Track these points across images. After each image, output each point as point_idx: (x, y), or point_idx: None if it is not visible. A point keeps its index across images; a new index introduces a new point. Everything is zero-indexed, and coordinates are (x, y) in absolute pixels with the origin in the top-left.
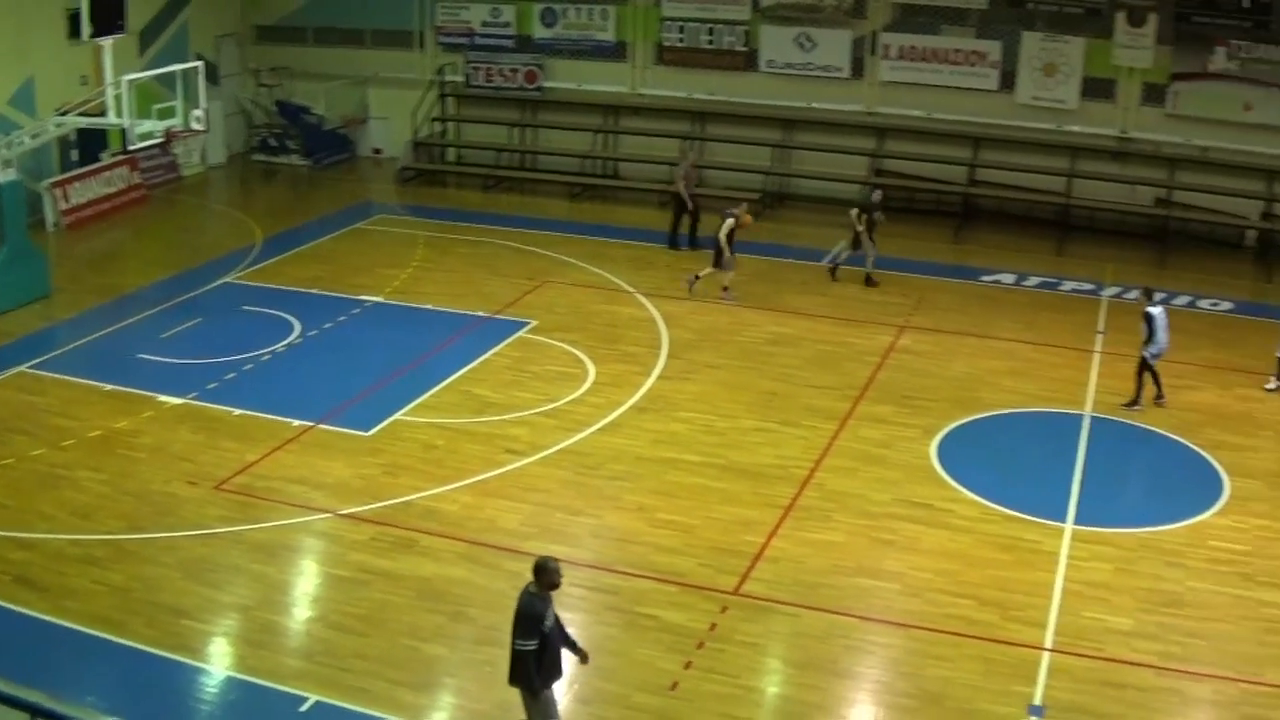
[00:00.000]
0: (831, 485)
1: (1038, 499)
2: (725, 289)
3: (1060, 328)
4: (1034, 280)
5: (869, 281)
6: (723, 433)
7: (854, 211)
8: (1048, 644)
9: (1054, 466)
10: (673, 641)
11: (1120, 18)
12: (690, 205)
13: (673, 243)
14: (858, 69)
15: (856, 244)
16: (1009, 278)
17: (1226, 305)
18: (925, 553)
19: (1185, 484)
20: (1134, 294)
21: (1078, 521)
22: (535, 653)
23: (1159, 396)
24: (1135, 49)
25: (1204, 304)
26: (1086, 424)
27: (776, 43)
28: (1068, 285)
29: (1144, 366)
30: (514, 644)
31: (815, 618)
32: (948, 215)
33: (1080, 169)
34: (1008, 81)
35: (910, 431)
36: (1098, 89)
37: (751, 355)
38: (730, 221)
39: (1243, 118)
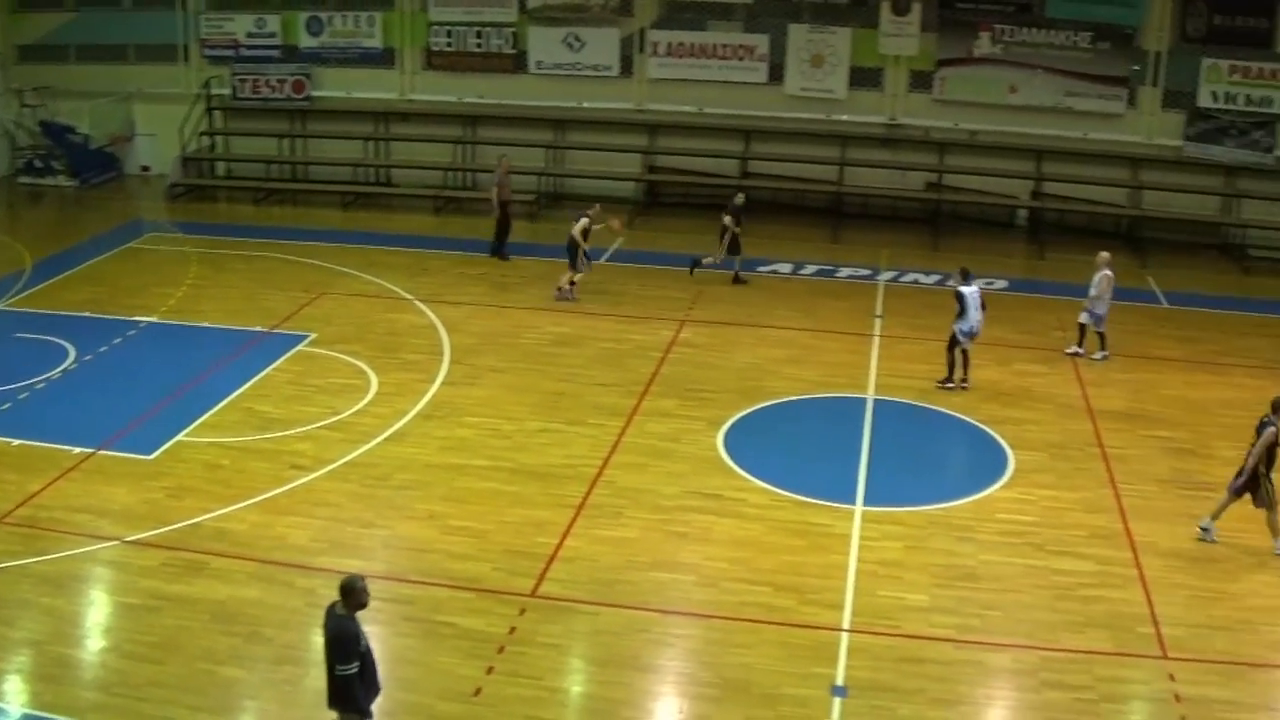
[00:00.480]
0: (621, 482)
1: (826, 483)
2: (560, 288)
3: (839, 314)
4: (811, 268)
5: (737, 280)
6: (510, 436)
7: (726, 218)
8: (846, 625)
9: (840, 450)
10: (473, 648)
11: (885, 7)
12: (500, 214)
13: (497, 252)
14: (627, 67)
15: (734, 248)
16: (786, 267)
17: (1001, 284)
18: (719, 543)
19: (970, 460)
20: (909, 277)
21: (867, 503)
22: (357, 674)
23: (963, 380)
24: (901, 37)
25: (979, 283)
26: (870, 407)
27: (545, 44)
28: (844, 272)
29: (954, 343)
30: (335, 670)
31: (614, 614)
32: (722, 209)
33: (851, 157)
34: (776, 74)
35: (696, 424)
36: (866, 78)
37: (534, 357)
38: (584, 221)
39: (1008, 100)
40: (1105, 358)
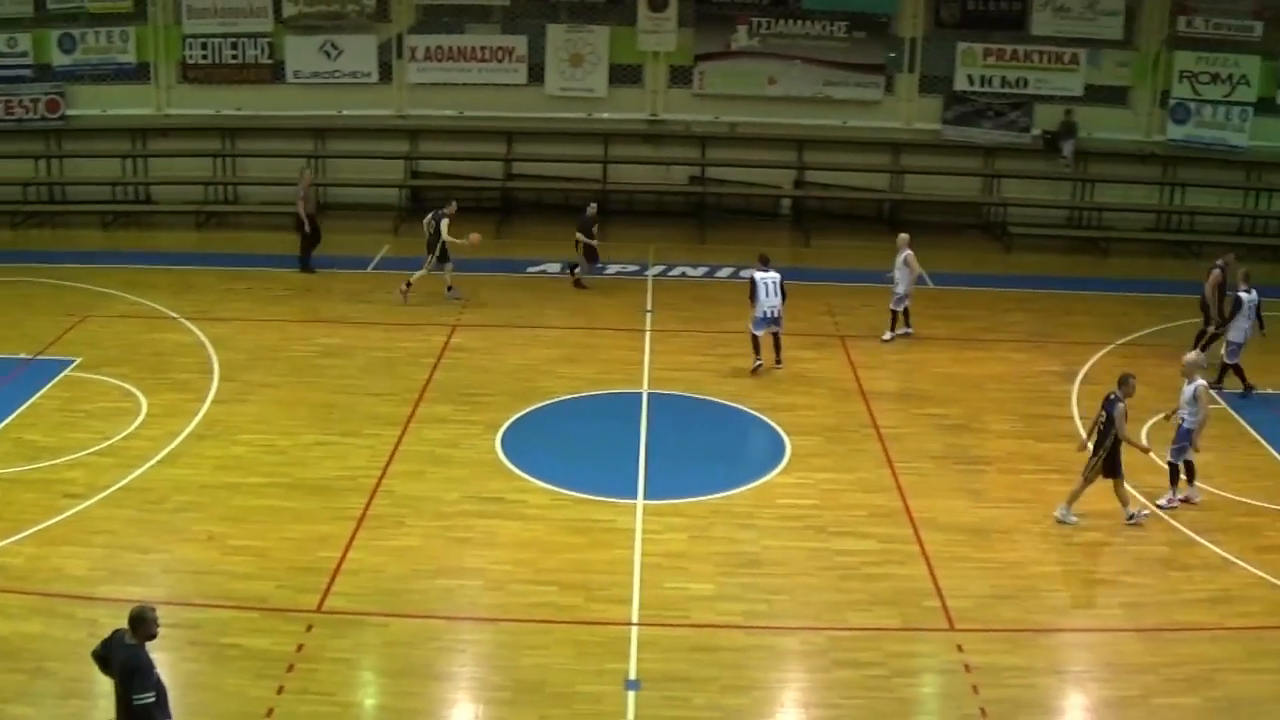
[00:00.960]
0: (401, 490)
1: (606, 479)
2: (450, 288)
3: (609, 310)
4: (579, 267)
5: (579, 284)
6: (285, 451)
7: (579, 234)
8: (635, 619)
9: (619, 446)
10: (262, 668)
11: (643, 4)
12: (308, 227)
13: (304, 265)
14: (386, 73)
15: (591, 256)
16: (555, 267)
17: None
18: (503, 546)
19: (748, 448)
20: (677, 271)
21: (648, 496)
22: (154, 702)
23: (776, 362)
24: (659, 34)
25: (746, 274)
26: (645, 401)
27: (302, 52)
28: (613, 268)
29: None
30: (133, 700)
31: (403, 624)
32: (488, 211)
33: (615, 154)
34: (537, 74)
35: (473, 428)
36: (626, 75)
37: (305, 370)
38: (445, 222)
39: (768, 92)
40: (892, 338)
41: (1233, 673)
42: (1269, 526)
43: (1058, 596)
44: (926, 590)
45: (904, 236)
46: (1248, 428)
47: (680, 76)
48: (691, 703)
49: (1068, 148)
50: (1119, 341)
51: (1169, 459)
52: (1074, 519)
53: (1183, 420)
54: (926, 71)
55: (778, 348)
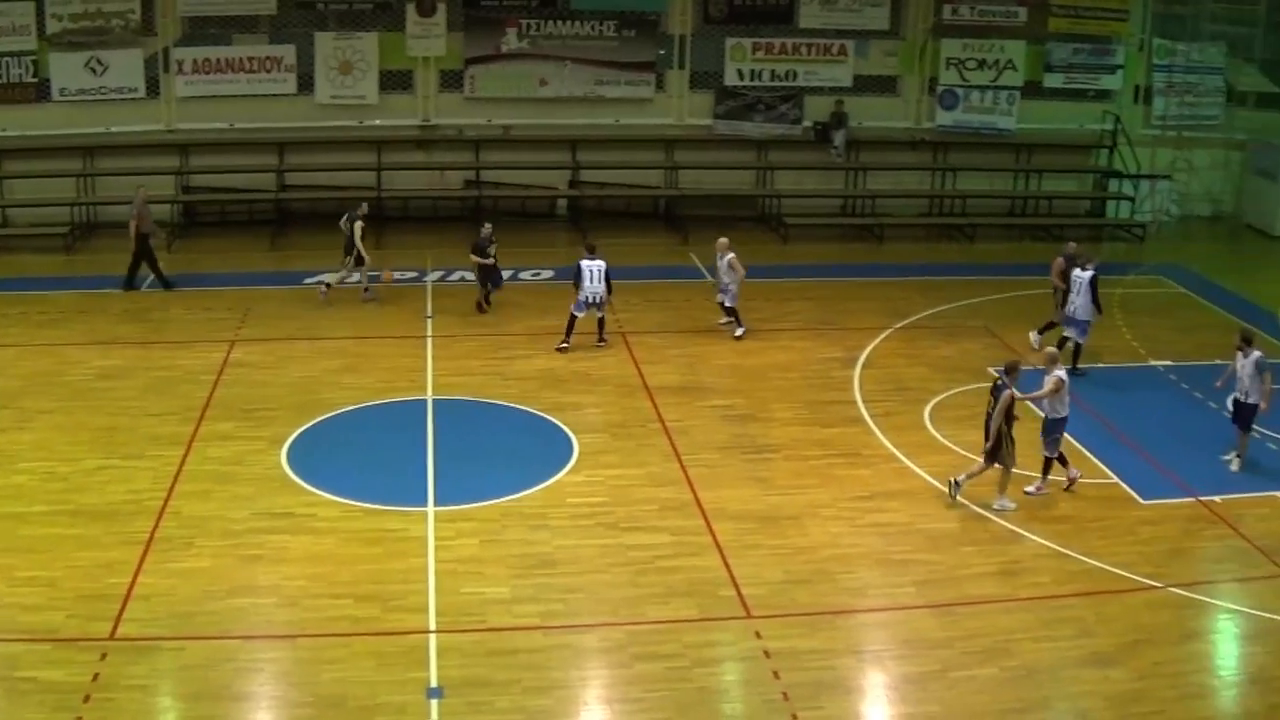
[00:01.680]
0: (188, 511)
1: (396, 488)
2: (366, 289)
3: (390, 319)
4: (356, 276)
5: (327, 288)
6: (67, 478)
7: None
8: (432, 626)
9: (407, 454)
10: (58, 701)
11: (410, 9)
12: (138, 245)
13: (129, 284)
14: (153, 88)
15: (491, 277)
16: (331, 276)
17: (548, 274)
18: (295, 561)
19: (536, 449)
20: (456, 275)
21: (439, 503)
22: None
23: (600, 340)
24: (428, 38)
25: (526, 275)
26: (431, 407)
27: (67, 70)
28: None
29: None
30: None
31: (199, 647)
32: (263, 223)
33: (388, 161)
34: (306, 84)
35: (258, 444)
36: (396, 81)
37: (83, 393)
38: (359, 224)
39: (539, 93)
40: (743, 334)
41: (1028, 642)
42: (1053, 500)
43: (851, 578)
44: (721, 580)
45: (723, 241)
46: (1031, 406)
47: (451, 81)
48: (495, 706)
49: (839, 138)
50: (898, 325)
51: (1045, 453)
52: (1012, 505)
53: (1045, 412)
54: (697, 68)
55: (601, 327)
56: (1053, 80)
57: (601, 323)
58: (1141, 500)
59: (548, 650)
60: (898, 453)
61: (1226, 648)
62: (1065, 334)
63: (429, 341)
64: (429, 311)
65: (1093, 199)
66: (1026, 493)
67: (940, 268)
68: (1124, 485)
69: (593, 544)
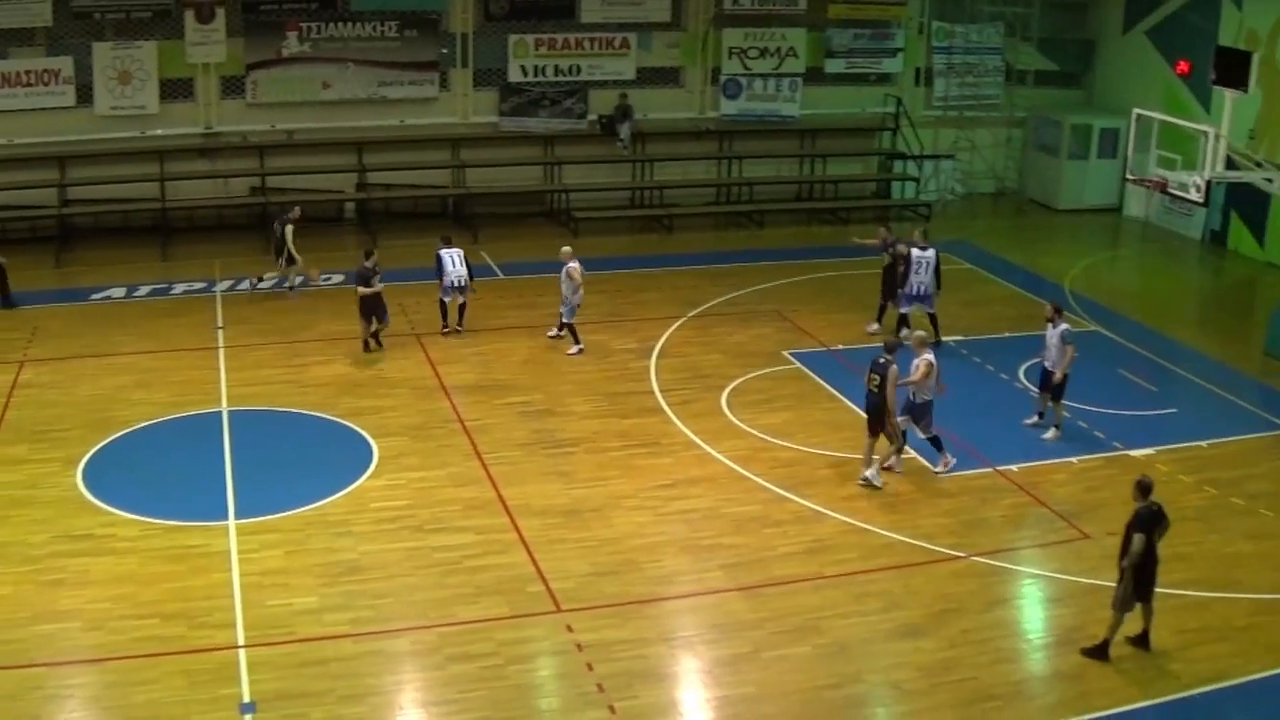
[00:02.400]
0: None
1: (195, 504)
2: (305, 276)
3: (180, 331)
4: (145, 289)
5: (367, 346)
6: None
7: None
8: (241, 641)
9: (204, 468)
10: None
11: (189, 16)
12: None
13: (6, 302)
14: None
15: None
16: (119, 291)
17: (338, 278)
18: (98, 583)
19: (336, 456)
20: (244, 285)
21: (240, 516)
22: None
23: (458, 325)
24: (208, 45)
25: (317, 280)
26: (226, 419)
27: None
28: (179, 288)
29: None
30: None
31: (4, 676)
32: (46, 240)
33: (172, 171)
34: (85, 95)
35: (51, 466)
36: (178, 89)
37: None
38: (290, 228)
39: (323, 96)
40: (577, 352)
41: (837, 618)
42: (853, 476)
43: (658, 566)
44: (529, 576)
45: (566, 250)
46: (823, 383)
47: (233, 87)
48: (309, 718)
49: (624, 130)
50: (691, 314)
51: (922, 435)
52: (879, 483)
53: (914, 396)
54: (480, 65)
55: (462, 313)
56: (834, 66)
57: (462, 309)
58: (940, 473)
59: (360, 658)
60: (697, 439)
61: (1032, 611)
62: (903, 311)
63: (221, 353)
64: (220, 322)
65: (878, 181)
66: (937, 473)
67: (730, 255)
68: (922, 459)
69: (398, 548)
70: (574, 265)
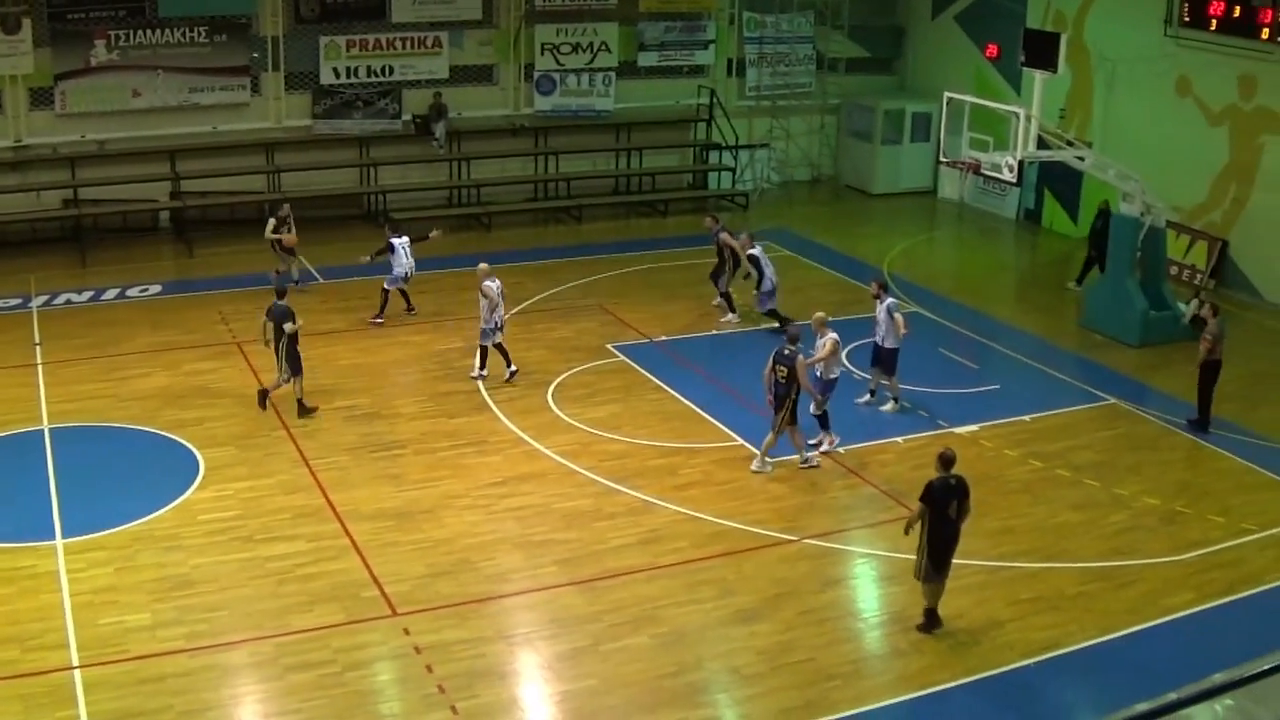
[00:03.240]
0: None
1: (20, 524)
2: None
3: None
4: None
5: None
6: None
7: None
8: (75, 662)
9: (28, 488)
10: None
11: None
12: None
13: None
14: None
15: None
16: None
17: (156, 288)
18: None
19: (162, 469)
20: (62, 299)
21: (67, 534)
22: None
23: (409, 308)
24: (14, 56)
25: (133, 292)
26: (48, 437)
27: None
28: None
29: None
30: None
31: None
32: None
33: None
34: None
35: None
36: None
37: None
38: (271, 221)
39: (133, 105)
40: (511, 376)
41: (673, 607)
42: (684, 464)
43: (493, 565)
44: (364, 581)
45: (483, 266)
46: (649, 375)
47: (41, 98)
48: None
49: (439, 129)
50: (514, 310)
51: (813, 411)
52: (770, 468)
53: (817, 373)
54: (292, 68)
55: (408, 299)
56: (647, 59)
57: (406, 297)
58: (768, 459)
59: (197, 672)
60: (525, 436)
61: (866, 590)
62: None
63: (39, 369)
64: (36, 338)
65: (694, 172)
66: (825, 451)
67: (550, 250)
68: (749, 446)
69: (230, 559)
70: (489, 283)
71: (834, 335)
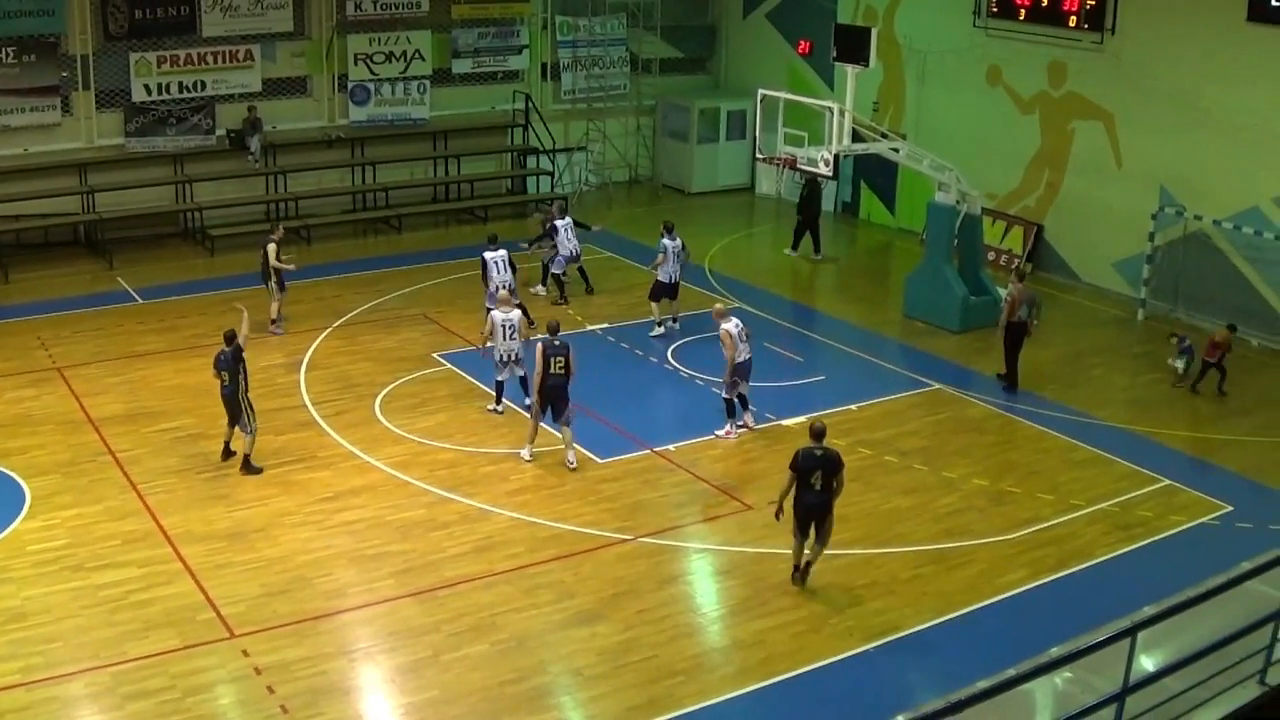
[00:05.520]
0: None
1: None
2: (273, 320)
3: None
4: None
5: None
6: None
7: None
8: None
9: None
10: None
11: None
12: None
13: None
14: None
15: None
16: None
17: None
18: None
19: None
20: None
21: None
22: None
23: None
24: None
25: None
26: None
27: None
28: None
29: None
30: None
31: None
32: None
33: None
34: None
35: None
36: None
37: None
38: (273, 246)
39: None
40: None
41: (511, 613)
42: (515, 470)
43: (328, 580)
44: (198, 604)
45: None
46: (476, 382)
47: None
48: None
49: (254, 143)
50: (337, 323)
51: (724, 395)
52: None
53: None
54: (103, 86)
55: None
56: (461, 66)
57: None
58: (599, 459)
59: (34, 706)
60: (354, 449)
61: (704, 585)
62: (555, 272)
63: None
64: None
65: (513, 177)
66: (716, 434)
67: (371, 261)
68: (579, 447)
69: (61, 589)
70: (509, 315)
71: (727, 326)
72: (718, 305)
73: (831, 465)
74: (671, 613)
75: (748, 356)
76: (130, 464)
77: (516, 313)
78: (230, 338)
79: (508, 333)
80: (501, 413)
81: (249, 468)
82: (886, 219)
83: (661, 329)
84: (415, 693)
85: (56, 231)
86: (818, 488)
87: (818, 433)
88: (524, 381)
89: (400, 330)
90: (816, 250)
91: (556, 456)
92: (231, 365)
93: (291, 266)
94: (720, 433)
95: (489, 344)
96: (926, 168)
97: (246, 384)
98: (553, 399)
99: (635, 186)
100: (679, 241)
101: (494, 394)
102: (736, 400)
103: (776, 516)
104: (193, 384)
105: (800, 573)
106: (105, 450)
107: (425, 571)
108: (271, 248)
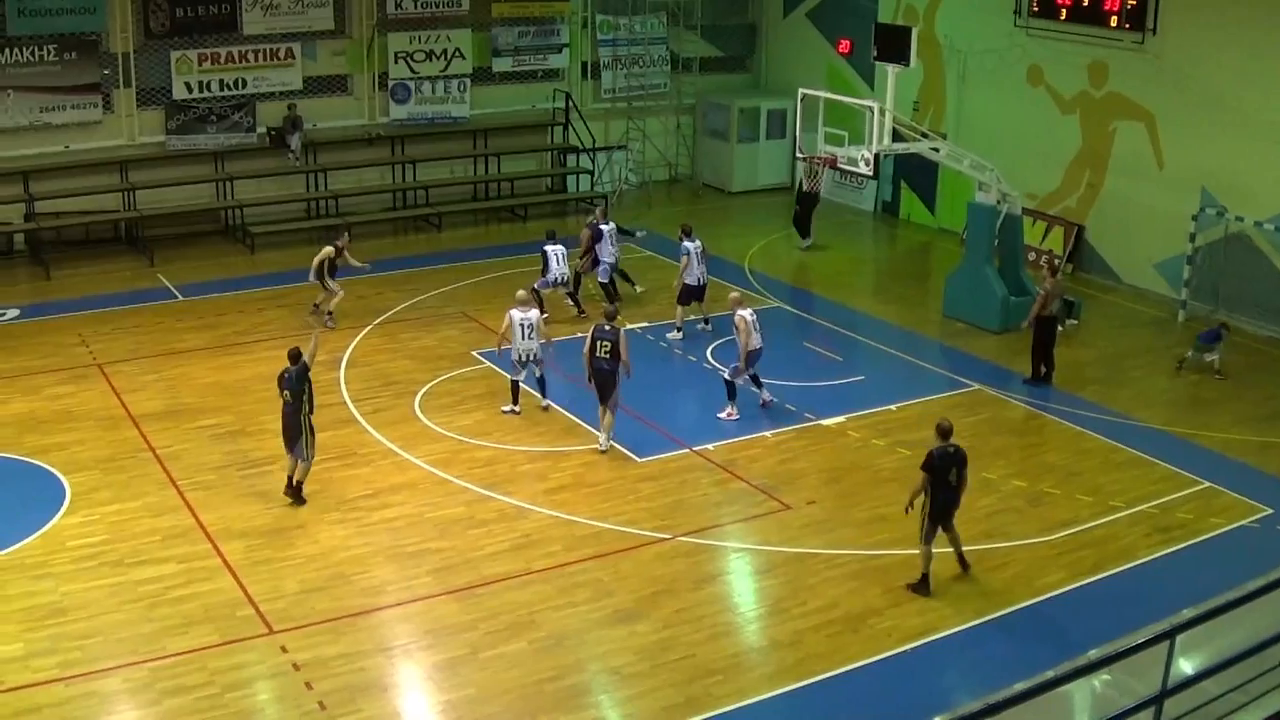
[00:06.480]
0: None
1: None
2: (329, 313)
3: None
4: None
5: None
6: None
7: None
8: None
9: None
10: None
11: None
12: None
13: None
14: None
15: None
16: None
17: (14, 313)
18: None
19: (26, 496)
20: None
21: None
22: None
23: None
24: None
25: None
26: None
27: None
28: None
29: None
30: None
31: None
32: None
33: None
34: None
35: None
36: None
37: None
38: (328, 248)
39: None
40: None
41: (549, 611)
42: (554, 468)
43: (367, 578)
44: (238, 600)
45: (521, 292)
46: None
47: None
48: None
49: (295, 141)
50: (377, 321)
51: (726, 377)
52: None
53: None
54: (144, 84)
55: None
56: (501, 64)
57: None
58: (638, 459)
59: (72, 701)
60: (394, 447)
61: (742, 585)
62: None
63: None
64: None
65: (553, 176)
66: (718, 417)
67: (411, 259)
68: (619, 446)
69: (101, 585)
70: (527, 315)
71: (742, 312)
72: (733, 293)
73: (962, 461)
74: (709, 612)
75: (760, 345)
76: (170, 460)
77: (534, 313)
78: (295, 356)
79: (525, 332)
80: (519, 413)
81: (296, 495)
82: (927, 219)
83: (679, 333)
84: (453, 690)
85: (97, 228)
86: (954, 483)
87: (946, 431)
88: (542, 382)
89: (440, 328)
90: (804, 236)
91: (595, 456)
92: (295, 385)
93: (367, 266)
94: (722, 415)
95: (505, 345)
96: (967, 167)
97: (311, 406)
98: (599, 383)
99: (675, 185)
100: (699, 243)
101: (510, 394)
102: (749, 380)
103: (906, 511)
104: (231, 381)
105: (961, 561)
106: (145, 446)
107: (464, 569)
108: (328, 249)
